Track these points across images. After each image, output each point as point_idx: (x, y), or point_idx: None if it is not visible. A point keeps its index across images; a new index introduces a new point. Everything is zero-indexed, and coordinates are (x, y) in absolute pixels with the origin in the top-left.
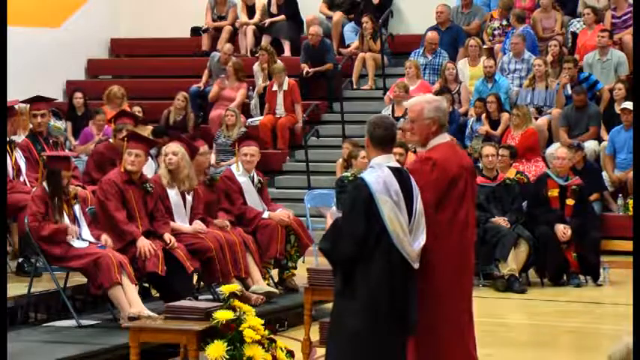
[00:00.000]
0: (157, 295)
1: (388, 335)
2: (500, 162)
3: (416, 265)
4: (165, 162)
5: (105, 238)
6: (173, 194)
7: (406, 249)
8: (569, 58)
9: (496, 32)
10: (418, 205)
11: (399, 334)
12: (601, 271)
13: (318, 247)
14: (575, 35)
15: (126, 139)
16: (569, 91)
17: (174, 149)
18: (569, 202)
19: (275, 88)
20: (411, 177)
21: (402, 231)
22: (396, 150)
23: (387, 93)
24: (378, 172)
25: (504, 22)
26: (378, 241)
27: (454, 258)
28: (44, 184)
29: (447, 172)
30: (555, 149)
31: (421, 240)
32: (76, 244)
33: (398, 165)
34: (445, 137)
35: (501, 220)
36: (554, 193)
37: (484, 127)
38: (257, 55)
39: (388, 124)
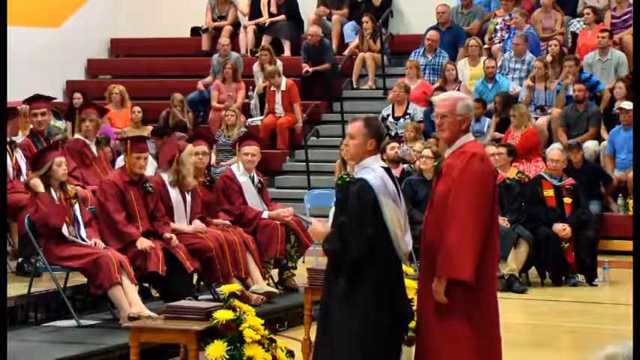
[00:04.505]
0: (157, 295)
1: (391, 337)
2: (498, 160)
3: (407, 264)
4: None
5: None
6: (174, 194)
7: (402, 249)
8: (570, 56)
9: (498, 27)
10: (403, 203)
11: (399, 334)
12: (601, 270)
13: (323, 248)
14: (575, 35)
15: (128, 142)
16: (570, 92)
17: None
18: (568, 200)
19: (273, 88)
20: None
21: (400, 231)
22: (394, 144)
23: (390, 94)
24: (375, 173)
25: (507, 17)
26: (381, 244)
27: (495, 257)
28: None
29: (491, 167)
30: (548, 151)
31: (409, 238)
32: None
33: (385, 165)
34: (470, 137)
35: (501, 220)
36: (549, 193)
37: (491, 131)
38: (257, 55)
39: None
